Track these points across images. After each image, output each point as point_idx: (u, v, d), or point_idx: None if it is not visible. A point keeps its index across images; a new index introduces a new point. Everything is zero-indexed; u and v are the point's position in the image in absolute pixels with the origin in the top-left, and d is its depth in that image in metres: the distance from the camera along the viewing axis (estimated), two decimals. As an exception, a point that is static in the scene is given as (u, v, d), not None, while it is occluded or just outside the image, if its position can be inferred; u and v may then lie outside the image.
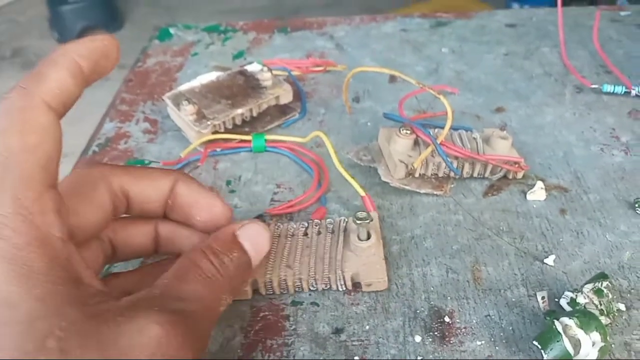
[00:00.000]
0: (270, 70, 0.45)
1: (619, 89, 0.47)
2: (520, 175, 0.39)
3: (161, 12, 2.55)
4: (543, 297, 0.31)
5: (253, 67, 0.46)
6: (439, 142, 0.36)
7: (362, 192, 0.35)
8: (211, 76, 0.45)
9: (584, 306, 0.29)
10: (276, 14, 2.50)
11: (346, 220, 0.34)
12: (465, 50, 0.55)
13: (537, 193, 0.38)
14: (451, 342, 0.29)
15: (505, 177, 0.39)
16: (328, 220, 0.34)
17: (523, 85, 0.50)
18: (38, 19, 2.53)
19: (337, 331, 0.30)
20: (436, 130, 0.39)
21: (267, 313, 0.31)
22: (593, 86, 0.48)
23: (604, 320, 0.28)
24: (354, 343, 0.29)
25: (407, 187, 0.37)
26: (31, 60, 2.28)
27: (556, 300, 0.31)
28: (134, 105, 0.49)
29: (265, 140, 0.42)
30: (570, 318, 0.28)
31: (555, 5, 0.55)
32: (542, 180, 0.39)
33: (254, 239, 0.28)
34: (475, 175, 0.39)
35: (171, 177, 0.28)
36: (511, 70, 0.52)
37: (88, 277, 0.21)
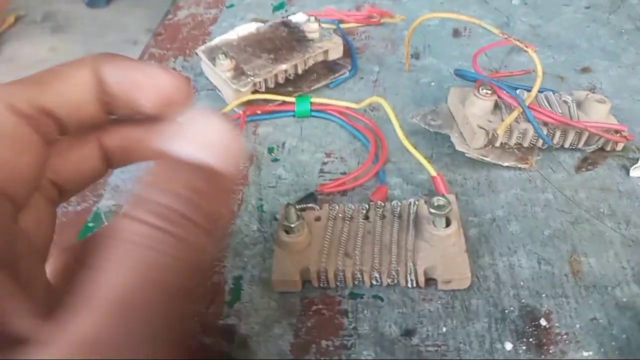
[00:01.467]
0: (317, 20, 0.38)
1: None
2: (620, 147, 0.32)
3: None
4: (668, 300, 0.25)
5: (298, 18, 0.40)
6: (527, 104, 0.30)
7: (433, 172, 0.29)
8: (250, 27, 0.39)
9: None
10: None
11: (417, 203, 0.28)
12: (539, 2, 0.48)
13: (643, 169, 0.31)
14: (550, 351, 0.23)
15: (601, 149, 0.33)
16: (393, 202, 0.28)
17: (611, 42, 0.43)
18: (68, -17, 2.49)
19: (408, 333, 0.25)
20: (519, 91, 0.32)
21: (320, 307, 0.26)
22: (698, 42, 0.41)
23: None
24: (428, 348, 0.24)
25: (486, 159, 0.31)
26: (61, 24, 2.26)
27: (679, 302, 0.25)
28: (164, 61, 0.44)
29: (311, 103, 0.37)
30: None
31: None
32: (646, 153, 0.32)
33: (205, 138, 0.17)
34: (566, 146, 0.32)
35: (89, 65, 0.19)
36: (595, 25, 0.45)
37: None
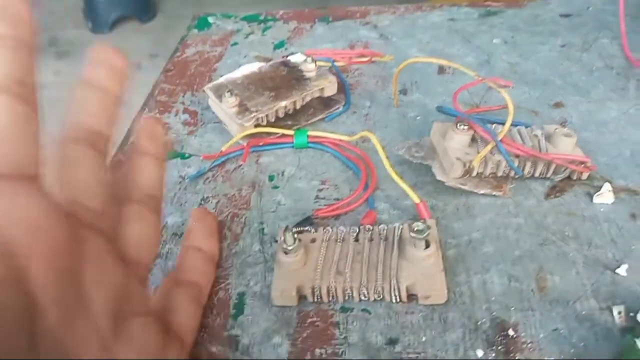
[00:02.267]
0: (314, 61, 0.43)
1: (690, 83, 0.44)
2: (585, 176, 0.36)
3: (193, 3, 2.56)
4: (619, 312, 0.28)
5: (296, 58, 0.44)
6: (499, 139, 0.34)
7: (416, 199, 0.33)
8: (253, 67, 0.43)
9: (668, 324, 0.26)
10: (306, 2, 2.46)
11: (401, 227, 0.31)
12: (518, 41, 0.52)
13: (605, 196, 0.35)
14: (517, 358, 0.27)
15: (568, 177, 0.36)
16: (381, 226, 0.32)
17: (583, 78, 0.47)
18: (73, 10, 2.56)
19: (392, 342, 0.28)
20: (494, 125, 0.36)
21: (315, 319, 0.29)
22: (661, 80, 0.45)
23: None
24: (410, 356, 0.27)
25: (463, 187, 0.34)
26: (65, 49, 2.32)
27: (632, 314, 0.28)
28: (174, 95, 0.48)
29: (308, 136, 0.40)
30: (653, 337, 0.25)
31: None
32: (609, 181, 0.36)
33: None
34: (536, 175, 0.36)
35: None
36: (569, 63, 0.49)
37: None
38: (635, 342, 0.25)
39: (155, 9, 2.50)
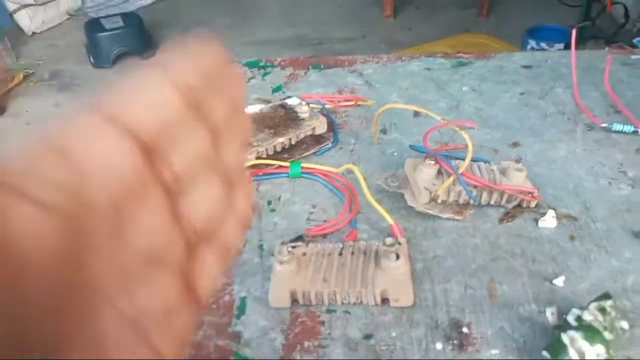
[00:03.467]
0: (307, 104, 0.50)
1: (628, 128, 0.51)
2: (533, 204, 0.43)
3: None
4: (552, 313, 0.34)
5: (292, 101, 0.51)
6: (460, 172, 0.41)
7: (390, 221, 0.40)
8: (255, 108, 0.50)
9: (589, 322, 0.33)
10: (299, 45, 2.59)
11: (377, 243, 0.38)
12: (484, 89, 0.60)
13: (549, 221, 0.42)
14: (468, 350, 0.33)
15: (519, 205, 0.43)
16: (361, 242, 0.38)
17: (538, 122, 0.54)
18: (75, 45, 2.66)
19: (367, 337, 0.34)
20: (457, 161, 0.43)
21: (305, 319, 0.35)
22: (603, 125, 0.52)
23: (607, 335, 0.32)
24: (382, 347, 0.33)
25: (430, 212, 0.41)
26: (67, 82, 2.40)
27: (564, 316, 0.34)
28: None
29: (302, 167, 0.47)
30: (576, 332, 0.31)
31: (569, 47, 0.60)
32: (554, 209, 0.43)
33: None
34: (492, 203, 0.43)
35: None
36: (527, 109, 0.57)
37: None
38: (560, 335, 0.31)
39: (156, 46, 2.60)
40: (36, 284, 0.16)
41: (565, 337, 0.31)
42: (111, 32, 2.40)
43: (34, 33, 2.80)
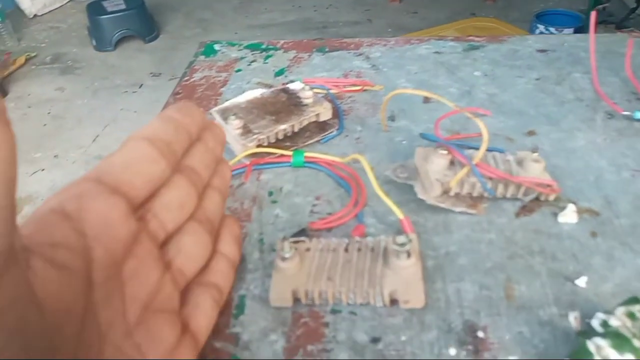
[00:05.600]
0: (311, 89, 0.47)
1: (651, 117, 0.48)
2: (552, 197, 0.40)
3: (195, 25, 2.63)
4: (575, 317, 0.32)
5: (295, 86, 0.48)
6: (474, 163, 0.38)
7: (400, 215, 0.37)
8: (256, 93, 0.47)
9: (617, 329, 0.30)
10: (304, 29, 2.55)
11: (386, 239, 0.35)
12: (497, 74, 0.57)
13: (569, 215, 0.39)
14: (484, 356, 0.30)
15: (537, 198, 0.40)
16: (368, 238, 0.36)
17: (554, 109, 0.51)
18: (77, 27, 2.62)
19: (375, 340, 0.31)
20: (471, 151, 0.40)
21: (307, 319, 0.33)
22: (624, 113, 0.49)
23: (637, 343, 0.29)
24: (391, 352, 0.31)
25: (442, 205, 0.38)
26: (69, 66, 2.37)
27: (587, 321, 0.32)
28: (181, 117, 0.52)
29: (305, 156, 0.44)
30: (603, 339, 0.29)
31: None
32: (574, 203, 0.40)
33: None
34: (508, 196, 0.40)
35: None
36: (543, 95, 0.53)
37: None
38: (585, 342, 0.29)
39: (158, 30, 2.56)
40: (57, 334, 0.18)
41: (591, 345, 0.29)
42: (113, 15, 2.36)
43: (35, 15, 2.76)
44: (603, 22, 1.91)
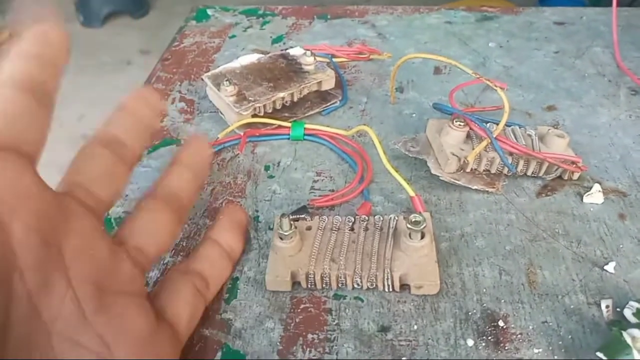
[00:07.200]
0: (313, 54, 0.43)
1: (679, 93, 0.45)
2: (575, 176, 0.37)
3: (187, 0, 2.55)
4: (607, 306, 0.28)
5: (295, 51, 0.44)
6: (494, 135, 0.34)
7: (411, 193, 0.33)
8: (252, 58, 0.43)
9: (653, 318, 0.27)
10: None
11: (396, 218, 0.32)
12: (513, 46, 0.53)
13: (595, 196, 0.35)
14: (506, 348, 0.27)
15: (559, 177, 0.37)
16: (376, 216, 0.32)
17: (575, 84, 0.48)
18: (64, 2, 2.54)
19: (383, 329, 0.28)
20: (489, 124, 0.36)
21: (307, 305, 0.29)
22: (650, 89, 0.46)
23: (675, 335, 0.26)
24: (401, 343, 0.27)
25: (457, 182, 0.35)
26: (56, 42, 2.29)
27: (618, 309, 0.29)
28: (170, 84, 0.48)
29: (305, 128, 0.41)
30: (639, 329, 0.26)
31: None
32: (599, 182, 0.36)
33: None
34: (528, 173, 0.36)
35: None
36: (562, 69, 0.50)
37: None
38: (621, 334, 0.25)
39: (148, 5, 2.48)
40: None
41: (626, 336, 0.25)
42: (102, -10, 2.27)
43: (21, -11, 2.67)
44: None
